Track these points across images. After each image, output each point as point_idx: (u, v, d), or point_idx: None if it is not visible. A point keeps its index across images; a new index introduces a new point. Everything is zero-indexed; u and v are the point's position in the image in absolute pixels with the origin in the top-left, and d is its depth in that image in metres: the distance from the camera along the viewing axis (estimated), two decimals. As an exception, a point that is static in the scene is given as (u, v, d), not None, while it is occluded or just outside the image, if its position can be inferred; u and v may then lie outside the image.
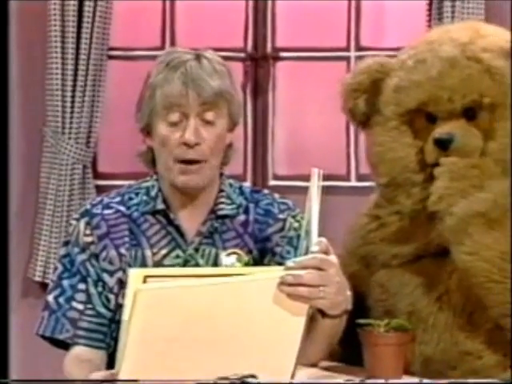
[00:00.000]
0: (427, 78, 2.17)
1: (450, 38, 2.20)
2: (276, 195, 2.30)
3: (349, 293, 2.06)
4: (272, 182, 3.63)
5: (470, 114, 2.16)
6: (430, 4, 3.35)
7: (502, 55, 2.15)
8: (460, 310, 2.15)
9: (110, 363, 2.08)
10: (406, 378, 2.09)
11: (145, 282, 1.95)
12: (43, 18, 3.52)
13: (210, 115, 2.13)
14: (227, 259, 2.20)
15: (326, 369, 2.17)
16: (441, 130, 2.15)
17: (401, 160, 2.19)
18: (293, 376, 2.03)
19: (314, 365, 2.15)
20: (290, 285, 1.94)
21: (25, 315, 3.27)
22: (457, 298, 2.15)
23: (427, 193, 2.15)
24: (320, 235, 2.00)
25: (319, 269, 1.97)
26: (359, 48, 3.54)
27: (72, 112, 3.53)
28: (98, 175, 3.66)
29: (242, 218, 2.23)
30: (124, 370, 1.93)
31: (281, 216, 2.25)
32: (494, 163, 2.13)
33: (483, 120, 2.15)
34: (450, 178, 2.09)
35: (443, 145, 2.14)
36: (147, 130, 2.19)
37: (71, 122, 3.53)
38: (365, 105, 2.25)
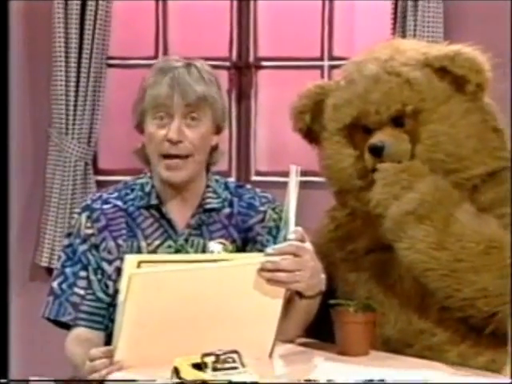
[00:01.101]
0: (356, 95, 2.19)
1: (373, 57, 2.21)
2: (257, 189, 2.30)
3: (322, 276, 2.07)
4: (254, 178, 3.63)
5: (396, 122, 2.17)
6: (395, 19, 3.35)
7: (419, 67, 2.16)
8: (412, 294, 2.16)
9: (108, 342, 2.06)
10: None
11: (139, 266, 1.95)
12: (49, 30, 3.49)
13: (193, 116, 2.13)
14: (214, 248, 2.19)
15: (302, 345, 2.16)
16: (373, 140, 2.17)
17: (345, 169, 2.21)
18: (272, 351, 2.03)
19: (290, 341, 2.14)
20: (270, 271, 1.94)
21: (32, 297, 3.24)
22: (408, 283, 2.16)
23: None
24: (297, 225, 2.00)
25: (295, 255, 1.98)
26: (332, 58, 3.54)
27: (75, 114, 3.52)
28: (98, 171, 3.65)
29: (226, 210, 2.23)
30: (120, 347, 1.93)
31: (262, 208, 2.24)
32: (422, 163, 2.14)
33: (409, 126, 2.17)
34: (384, 184, 2.12)
35: (377, 152, 2.16)
36: (141, 128, 2.18)
37: (74, 124, 3.52)
38: (312, 124, 2.27)
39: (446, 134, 2.14)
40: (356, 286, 2.22)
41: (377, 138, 2.16)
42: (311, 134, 2.30)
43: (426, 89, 2.15)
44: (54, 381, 3.35)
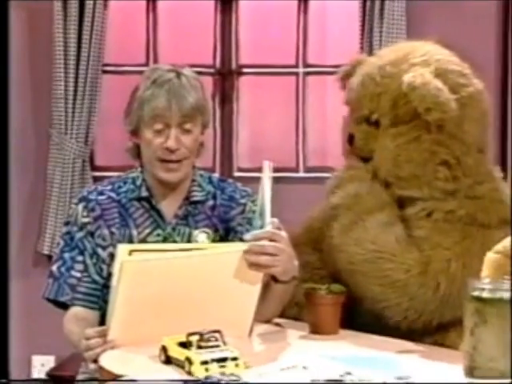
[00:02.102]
0: (351, 87, 2.25)
1: (378, 55, 2.27)
2: (238, 184, 2.30)
3: (296, 262, 2.07)
4: (236, 174, 3.62)
5: (370, 121, 2.21)
6: (362, 30, 3.35)
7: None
8: None
9: (102, 322, 2.06)
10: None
11: (130, 254, 1.94)
12: (49, 39, 3.47)
13: (188, 126, 2.14)
14: (199, 237, 2.19)
15: (277, 324, 2.16)
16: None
17: None
18: (251, 330, 2.03)
19: (267, 321, 2.14)
20: (255, 253, 1.94)
21: (35, 281, 3.22)
22: None
23: None
24: (272, 215, 2.00)
25: (271, 240, 1.97)
26: (306, 65, 3.53)
27: (73, 116, 3.51)
28: (94, 168, 3.64)
29: (210, 202, 2.22)
30: (113, 327, 1.93)
31: (242, 201, 2.24)
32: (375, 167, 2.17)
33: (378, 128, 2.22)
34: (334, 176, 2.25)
35: (349, 139, 2.23)
36: (135, 132, 2.18)
37: (72, 125, 3.51)
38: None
39: (390, 153, 2.14)
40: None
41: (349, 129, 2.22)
42: None
43: (389, 105, 2.15)
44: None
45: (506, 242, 1.92)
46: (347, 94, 2.25)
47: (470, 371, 1.78)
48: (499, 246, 1.91)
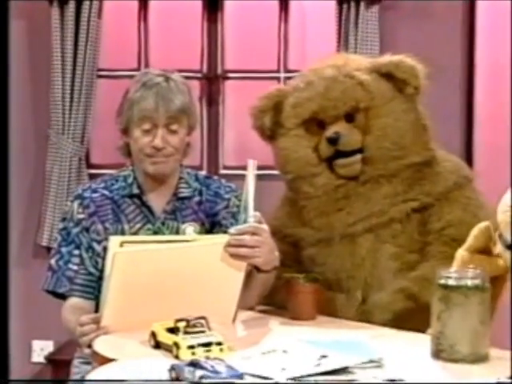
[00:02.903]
0: (316, 93, 2.19)
1: (329, 65, 2.22)
2: (223, 180, 2.30)
3: (277, 253, 2.06)
4: (222, 171, 3.61)
5: (348, 117, 2.18)
6: (339, 37, 3.34)
7: (368, 72, 2.18)
8: (370, 273, 2.14)
9: (97, 311, 2.05)
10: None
11: (121, 246, 1.93)
12: (48, 46, 3.45)
13: (174, 126, 2.13)
14: (186, 230, 2.18)
15: (260, 311, 2.16)
16: (330, 131, 2.17)
17: (302, 158, 2.20)
18: (234, 317, 2.02)
19: (250, 308, 2.14)
20: (234, 246, 1.94)
21: (35, 271, 3.23)
22: (367, 265, 2.14)
23: (325, 181, 2.16)
24: (255, 209, 2.00)
25: (254, 234, 1.97)
26: (287, 70, 3.53)
27: (70, 117, 3.49)
28: (90, 166, 3.61)
29: (196, 198, 2.22)
30: (106, 314, 1.92)
31: (226, 196, 2.23)
32: (372, 152, 2.14)
33: (359, 121, 2.18)
34: None
35: (333, 141, 2.15)
36: (125, 131, 2.17)
37: (69, 125, 3.49)
38: (270, 122, 2.25)
39: (392, 127, 2.15)
40: (325, 267, 2.18)
41: (333, 130, 2.16)
42: (268, 132, 2.28)
43: (375, 89, 2.17)
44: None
45: (470, 237, 1.92)
46: (302, 109, 2.19)
47: (437, 354, 1.79)
48: (466, 244, 1.92)
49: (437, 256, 2.07)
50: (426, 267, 2.06)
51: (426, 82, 2.18)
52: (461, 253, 1.92)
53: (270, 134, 2.27)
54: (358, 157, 2.14)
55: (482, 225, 1.91)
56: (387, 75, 2.16)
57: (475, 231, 1.91)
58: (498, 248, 1.84)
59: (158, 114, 2.10)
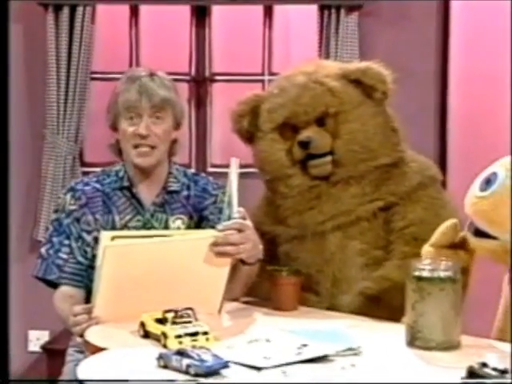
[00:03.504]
0: (289, 99, 2.19)
1: (300, 71, 2.22)
2: (210, 177, 2.29)
3: (260, 247, 2.06)
4: (210, 169, 3.60)
5: (319, 122, 2.18)
6: (320, 42, 3.34)
7: (337, 78, 2.17)
8: (339, 268, 2.15)
9: (88, 300, 2.04)
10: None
11: (112, 240, 1.92)
12: (44, 50, 3.44)
13: (158, 115, 2.12)
14: (174, 223, 2.18)
15: (245, 302, 2.15)
16: (301, 135, 2.17)
17: (278, 160, 2.20)
18: (220, 308, 2.02)
19: (235, 299, 2.13)
20: (220, 244, 1.93)
21: (31, 265, 3.19)
22: (336, 260, 2.14)
23: (298, 182, 2.17)
24: (239, 206, 1.99)
25: (240, 230, 1.96)
26: (271, 73, 3.52)
27: (64, 118, 3.47)
28: (84, 164, 3.60)
29: (185, 193, 2.21)
30: (98, 305, 1.91)
31: (214, 192, 2.23)
32: (341, 155, 2.14)
33: (329, 125, 2.17)
34: None
35: (305, 145, 2.16)
36: (114, 127, 2.16)
37: (64, 125, 3.47)
38: (248, 125, 2.25)
39: (360, 131, 2.15)
40: (298, 262, 2.17)
41: (304, 134, 2.16)
42: (247, 134, 2.28)
43: (343, 95, 2.16)
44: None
45: (436, 234, 1.92)
46: (276, 114, 2.19)
47: (411, 342, 1.79)
48: (433, 239, 1.92)
49: (398, 255, 2.08)
50: (387, 267, 2.08)
51: (393, 86, 2.17)
52: (427, 249, 1.92)
53: (249, 137, 2.27)
54: (329, 158, 2.15)
55: (449, 222, 1.91)
56: (356, 81, 2.16)
57: (442, 228, 1.91)
58: (468, 237, 1.85)
59: (141, 104, 2.09)
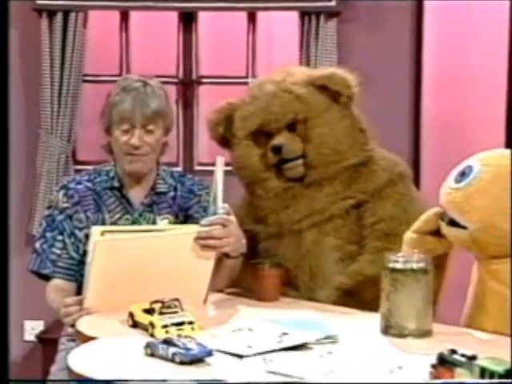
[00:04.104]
0: (259, 108, 2.18)
1: (270, 80, 2.21)
2: (196, 178, 2.29)
3: (243, 241, 2.06)
4: (197, 167, 3.59)
5: (290, 127, 2.17)
6: (301, 47, 3.33)
7: (304, 85, 2.17)
8: (315, 263, 2.15)
9: (79, 293, 2.03)
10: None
11: (102, 235, 1.91)
12: (38, 53, 3.41)
13: (150, 127, 2.12)
14: (161, 222, 2.17)
15: (229, 294, 2.15)
16: (274, 141, 2.17)
17: (253, 165, 2.20)
18: (205, 299, 2.01)
19: (220, 291, 2.13)
20: (203, 238, 1.93)
21: (26, 258, 3.17)
22: (312, 255, 2.14)
23: (274, 185, 2.17)
24: (223, 202, 1.98)
25: (223, 225, 1.96)
26: (254, 76, 3.50)
27: (58, 118, 3.44)
28: (76, 162, 3.57)
29: (172, 194, 2.21)
30: (88, 296, 1.90)
31: (199, 193, 2.23)
32: (312, 158, 2.14)
33: (300, 130, 2.17)
34: None
35: (277, 150, 2.16)
36: (107, 131, 2.16)
37: (57, 125, 3.45)
38: (224, 132, 2.24)
39: (329, 134, 2.15)
40: (277, 258, 2.17)
41: (276, 140, 2.16)
42: (224, 141, 2.27)
43: (311, 101, 2.16)
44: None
45: (419, 221, 1.92)
46: (249, 122, 2.18)
47: (386, 330, 1.79)
48: (415, 226, 1.92)
49: (370, 250, 2.09)
50: (361, 262, 2.08)
51: (357, 90, 2.16)
52: (409, 235, 1.92)
53: (226, 143, 2.27)
54: (300, 161, 2.15)
55: (432, 210, 1.91)
56: (322, 87, 2.16)
57: (425, 216, 1.92)
58: (442, 226, 1.85)
59: (134, 116, 2.09)
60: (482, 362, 1.36)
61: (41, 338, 3.39)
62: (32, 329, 3.55)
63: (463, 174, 1.81)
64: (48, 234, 2.14)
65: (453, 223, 1.81)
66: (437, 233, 1.88)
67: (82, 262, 2.07)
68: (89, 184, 2.17)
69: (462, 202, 1.78)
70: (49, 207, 2.19)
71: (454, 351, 1.42)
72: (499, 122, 3.27)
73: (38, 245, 2.15)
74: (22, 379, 3.40)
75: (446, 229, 1.84)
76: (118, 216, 2.15)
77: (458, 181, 1.81)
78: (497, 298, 1.79)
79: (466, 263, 1.91)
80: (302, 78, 2.18)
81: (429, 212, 1.91)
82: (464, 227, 1.79)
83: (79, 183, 2.17)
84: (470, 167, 1.81)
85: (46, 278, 2.15)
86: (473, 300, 1.86)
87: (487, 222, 1.75)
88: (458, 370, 1.38)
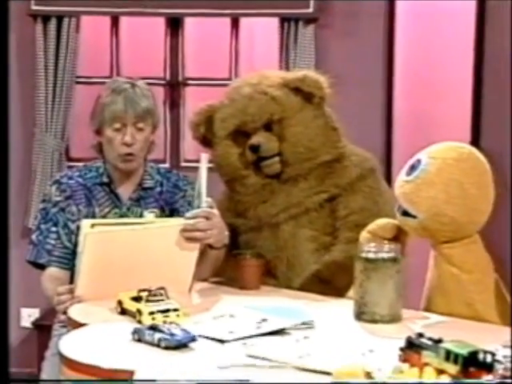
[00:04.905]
0: (237, 110, 2.17)
1: (247, 83, 2.20)
2: (181, 173, 2.28)
3: (226, 233, 2.05)
4: (183, 164, 3.58)
5: (267, 127, 2.16)
6: (281, 50, 3.33)
7: (279, 87, 2.16)
8: (292, 253, 2.14)
9: (72, 279, 2.02)
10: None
11: (92, 227, 1.90)
12: (33, 56, 3.39)
13: (141, 125, 2.11)
14: (148, 215, 2.16)
15: (212, 283, 2.14)
16: (251, 141, 2.16)
17: (232, 163, 2.19)
18: (190, 288, 2.00)
19: (204, 280, 2.12)
20: (189, 231, 1.92)
21: (23, 250, 3.15)
22: (289, 246, 2.14)
23: (253, 181, 2.16)
24: (207, 197, 1.98)
25: (207, 218, 1.95)
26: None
27: (52, 118, 3.42)
28: (69, 159, 3.55)
29: (158, 189, 2.20)
30: (79, 285, 1.89)
31: (184, 188, 2.22)
32: (288, 156, 2.13)
33: (276, 130, 2.16)
34: None
35: (255, 149, 2.15)
36: (98, 132, 2.15)
37: (51, 124, 3.42)
38: (205, 132, 2.23)
39: (303, 133, 2.14)
40: (256, 249, 2.16)
41: (254, 140, 2.15)
42: (205, 141, 2.26)
43: (286, 103, 2.15)
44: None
45: (375, 224, 1.92)
46: (227, 123, 2.17)
47: (358, 316, 1.79)
48: (370, 227, 1.92)
49: (343, 241, 2.09)
50: (334, 251, 2.08)
51: (329, 91, 2.16)
52: (364, 235, 1.92)
53: (207, 143, 2.26)
54: (277, 159, 2.15)
55: (391, 222, 1.89)
56: (296, 89, 2.15)
57: (383, 222, 1.90)
58: (397, 216, 1.85)
59: (126, 115, 2.08)
60: (447, 345, 1.36)
61: (36, 324, 3.37)
62: (28, 316, 3.53)
63: (413, 168, 1.82)
64: (43, 226, 2.13)
65: (405, 213, 1.82)
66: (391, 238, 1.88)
67: (75, 252, 2.05)
68: (80, 179, 2.17)
69: (411, 193, 1.79)
70: (43, 201, 2.18)
71: (421, 335, 1.42)
72: (465, 121, 3.29)
73: (34, 237, 2.14)
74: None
75: (399, 219, 1.85)
76: (107, 210, 2.14)
77: (408, 174, 1.83)
78: (451, 280, 1.80)
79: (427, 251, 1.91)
80: (277, 81, 2.18)
81: (388, 221, 1.91)
82: (414, 216, 1.80)
83: (71, 178, 2.17)
84: (419, 160, 1.82)
85: (42, 267, 2.14)
86: (430, 283, 1.87)
87: (433, 211, 1.77)
88: (425, 353, 1.38)
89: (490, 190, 1.82)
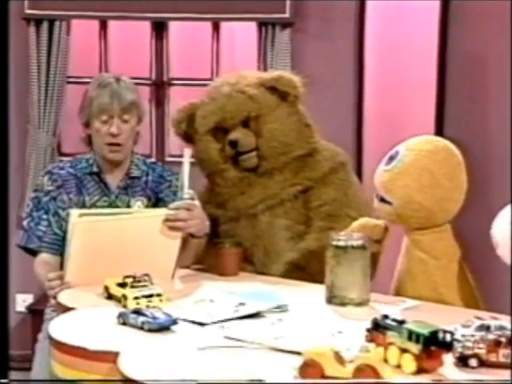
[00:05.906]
0: (216, 107, 2.17)
1: (226, 82, 2.19)
2: (166, 166, 2.26)
3: (207, 223, 2.04)
4: (168, 158, 3.55)
5: (245, 124, 2.16)
6: (259, 53, 3.30)
7: (256, 87, 2.16)
8: (269, 241, 2.13)
9: (61, 265, 1.99)
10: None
11: (80, 217, 1.88)
12: (27, 57, 3.34)
13: (126, 116, 2.09)
14: (136, 204, 2.14)
15: (194, 270, 2.13)
16: (230, 136, 2.15)
17: (212, 158, 2.18)
18: (173, 274, 1.99)
19: (186, 267, 2.10)
20: (171, 221, 1.91)
21: (16, 240, 3.12)
22: (266, 235, 2.13)
23: (232, 175, 2.15)
24: (189, 189, 1.96)
25: (188, 209, 1.94)
26: (218, 78, 3.48)
27: (44, 115, 3.38)
28: (61, 154, 3.50)
29: (144, 179, 2.19)
30: (68, 272, 1.88)
31: (169, 178, 2.21)
32: (264, 151, 2.12)
33: (253, 126, 2.16)
34: None
35: (233, 145, 2.14)
36: (86, 124, 2.13)
37: (44, 122, 3.38)
38: (186, 129, 2.22)
39: (278, 129, 2.15)
40: (235, 238, 2.15)
41: (233, 136, 2.15)
42: (187, 137, 2.25)
43: (262, 101, 2.15)
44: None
45: (358, 224, 1.91)
46: (208, 120, 2.16)
47: (330, 299, 1.79)
48: (354, 225, 1.91)
49: (316, 230, 2.09)
50: (308, 240, 2.08)
51: (302, 89, 2.16)
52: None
53: (189, 139, 2.25)
54: (254, 153, 2.14)
55: (373, 221, 1.90)
56: (271, 88, 2.15)
57: (363, 221, 1.92)
58: (375, 203, 1.86)
59: (112, 107, 2.07)
60: (409, 325, 1.36)
61: (30, 309, 3.34)
62: (23, 301, 3.49)
63: (391, 158, 1.85)
64: (34, 214, 2.11)
65: (382, 200, 1.83)
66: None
67: (65, 238, 2.03)
68: (71, 170, 2.15)
69: (388, 181, 1.81)
70: (35, 190, 2.16)
71: (386, 316, 1.42)
72: (429, 119, 3.29)
73: (25, 223, 2.12)
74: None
75: (377, 205, 1.86)
76: (96, 198, 2.12)
77: (387, 164, 1.85)
78: (420, 265, 1.82)
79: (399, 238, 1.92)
80: (254, 81, 2.18)
81: (368, 220, 1.90)
82: (390, 203, 1.80)
83: (62, 169, 2.15)
84: (397, 152, 1.85)
85: (33, 252, 2.12)
86: (400, 267, 1.88)
87: (407, 199, 1.78)
88: (389, 333, 1.38)
89: (461, 182, 1.83)
